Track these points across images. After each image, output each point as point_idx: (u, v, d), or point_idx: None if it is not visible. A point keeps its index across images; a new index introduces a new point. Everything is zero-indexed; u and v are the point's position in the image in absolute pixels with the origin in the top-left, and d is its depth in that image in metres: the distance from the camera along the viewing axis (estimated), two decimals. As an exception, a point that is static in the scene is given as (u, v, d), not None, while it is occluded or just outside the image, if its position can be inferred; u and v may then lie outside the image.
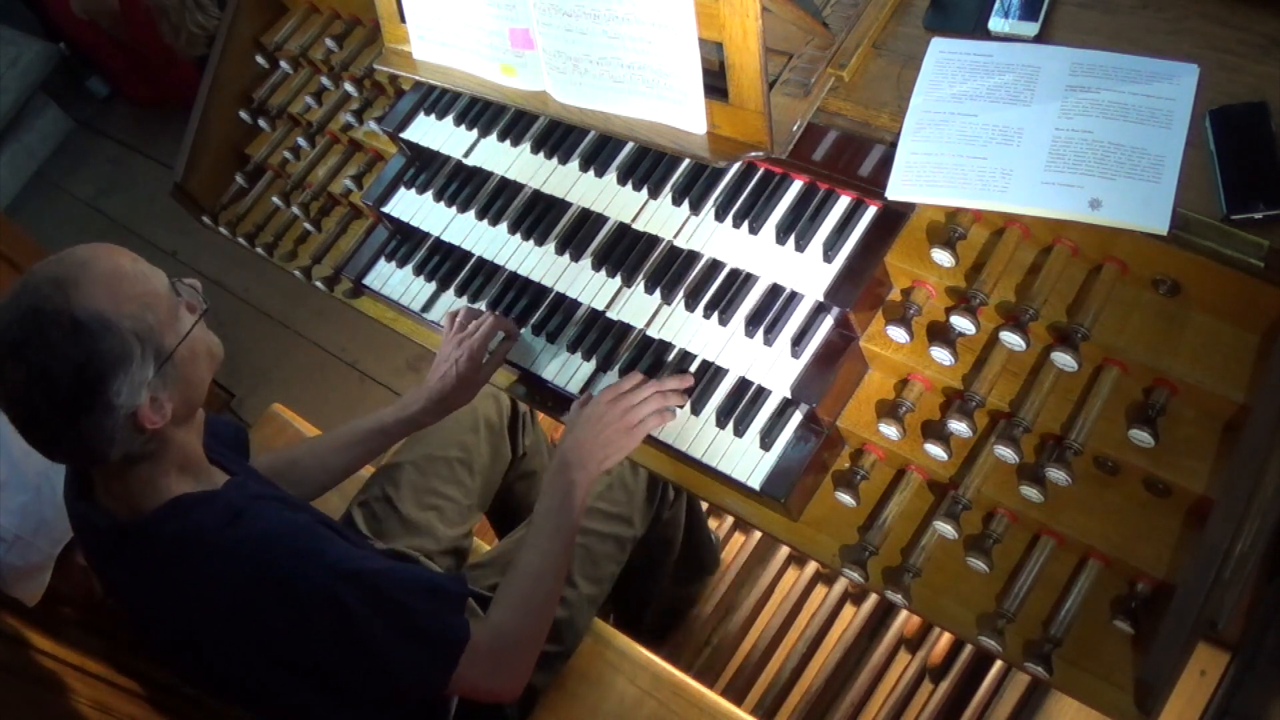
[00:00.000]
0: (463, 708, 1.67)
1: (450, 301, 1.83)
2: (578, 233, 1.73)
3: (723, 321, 1.55)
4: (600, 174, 1.70)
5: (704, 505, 2.28)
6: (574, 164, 1.74)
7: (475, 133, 1.84)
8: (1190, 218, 1.23)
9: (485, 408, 2.01)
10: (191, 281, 1.42)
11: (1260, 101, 1.25)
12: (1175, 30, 1.34)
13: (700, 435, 1.53)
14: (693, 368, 1.59)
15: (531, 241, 1.76)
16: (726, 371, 1.56)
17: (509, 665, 1.48)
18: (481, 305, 1.80)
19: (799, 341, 1.48)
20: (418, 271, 1.88)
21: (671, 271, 1.62)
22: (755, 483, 1.46)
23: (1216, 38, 1.32)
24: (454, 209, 1.85)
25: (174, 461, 1.39)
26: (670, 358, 1.62)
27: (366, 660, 1.39)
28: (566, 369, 1.69)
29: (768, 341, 1.51)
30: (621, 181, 1.68)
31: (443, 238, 1.85)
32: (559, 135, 1.76)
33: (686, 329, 1.58)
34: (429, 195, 1.89)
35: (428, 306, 1.85)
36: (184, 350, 1.34)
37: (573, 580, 1.83)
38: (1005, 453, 1.32)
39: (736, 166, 1.60)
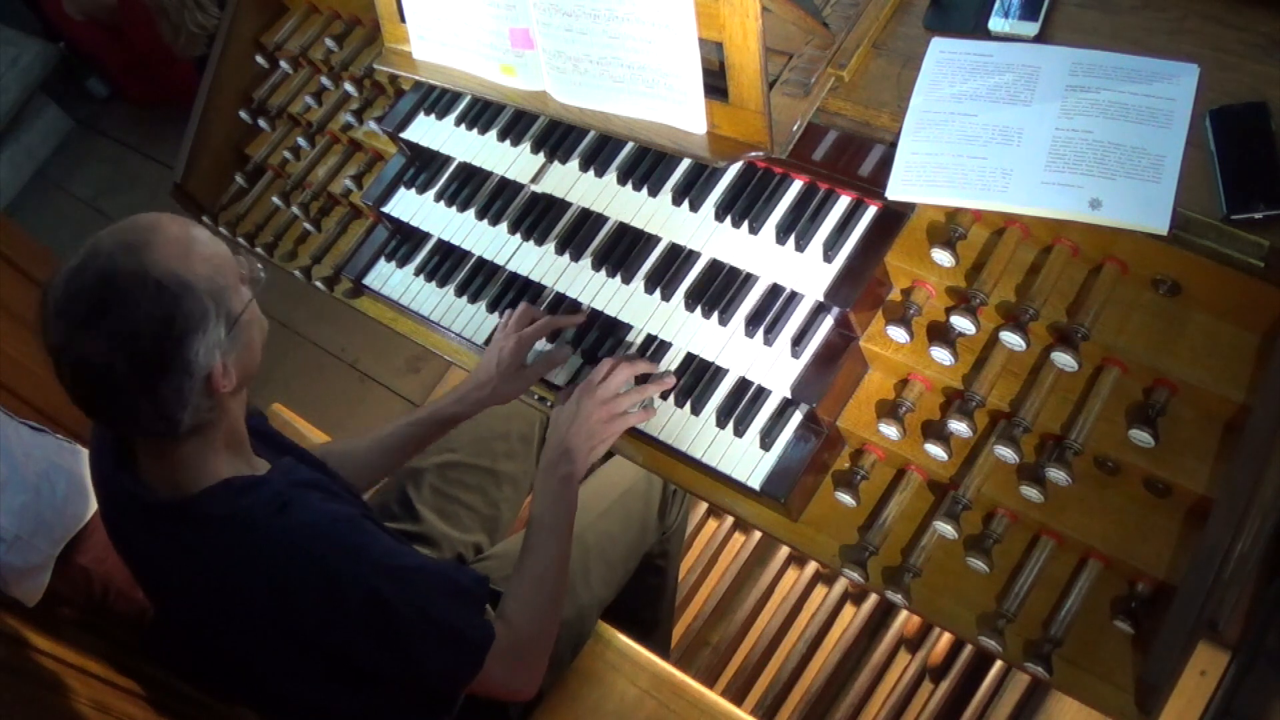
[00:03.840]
0: (466, 706, 1.67)
1: (450, 301, 1.83)
2: (578, 233, 1.72)
3: (723, 321, 1.55)
4: (600, 174, 1.70)
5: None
6: (574, 164, 1.74)
7: (475, 133, 1.85)
8: (1190, 218, 1.23)
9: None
10: (248, 254, 1.42)
11: (1260, 101, 1.25)
12: (1175, 30, 1.34)
13: (700, 435, 1.53)
14: (692, 368, 1.59)
15: (531, 241, 1.76)
16: (726, 371, 1.56)
17: (527, 663, 1.50)
18: (481, 305, 1.80)
19: (799, 341, 1.48)
20: (418, 272, 1.88)
21: (671, 271, 1.62)
22: (755, 483, 1.46)
23: (1216, 38, 1.32)
24: (454, 209, 1.85)
25: (224, 436, 1.39)
26: (670, 358, 1.62)
27: (398, 655, 1.40)
28: (567, 368, 1.69)
29: (768, 341, 1.51)
30: (621, 181, 1.68)
31: (443, 237, 1.85)
32: (559, 135, 1.76)
33: (686, 329, 1.58)
34: (429, 195, 1.89)
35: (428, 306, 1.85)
36: (247, 316, 1.35)
37: (589, 581, 1.83)
38: (1005, 453, 1.32)
39: (736, 166, 1.60)
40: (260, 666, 1.48)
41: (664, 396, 1.58)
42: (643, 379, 1.60)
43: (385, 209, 1.92)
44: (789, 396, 1.47)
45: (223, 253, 1.35)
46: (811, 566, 2.38)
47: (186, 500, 1.37)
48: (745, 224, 1.55)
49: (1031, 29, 1.40)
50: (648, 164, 1.67)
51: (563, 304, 1.73)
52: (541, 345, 1.71)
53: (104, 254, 1.27)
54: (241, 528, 1.36)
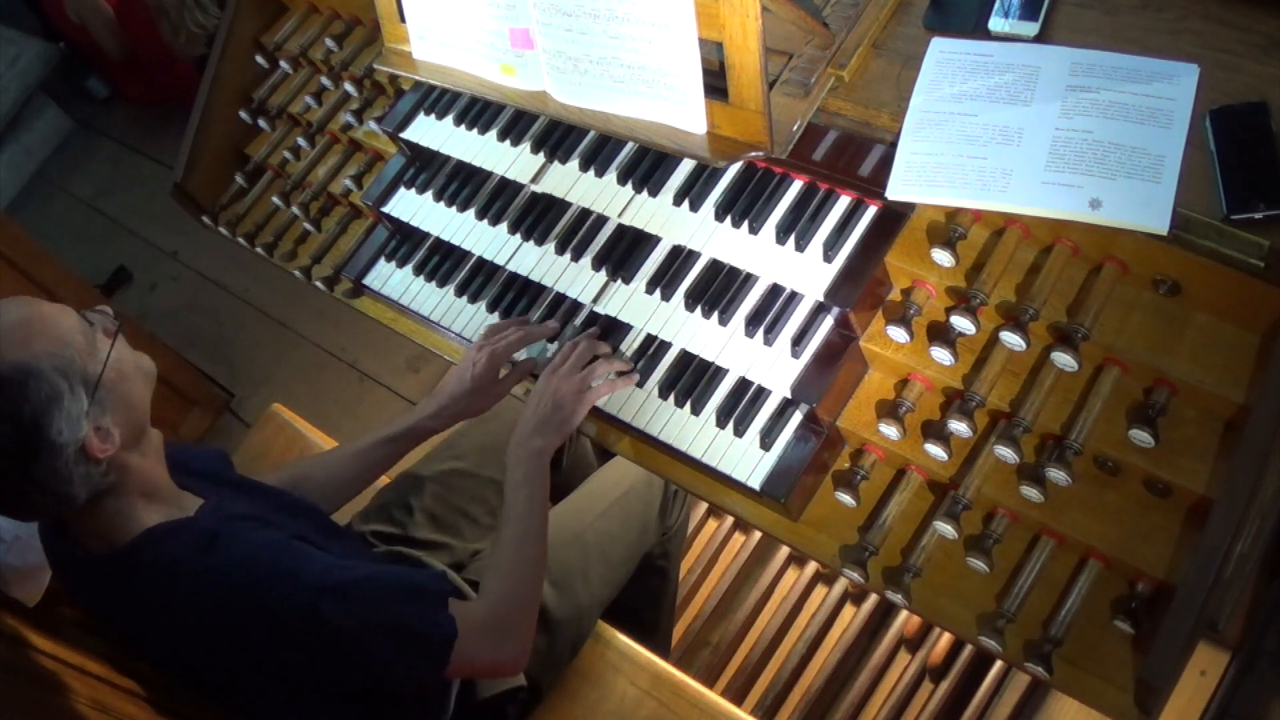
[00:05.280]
0: (463, 706, 1.67)
1: (450, 301, 1.83)
2: (578, 233, 1.73)
3: (723, 321, 1.55)
4: (600, 174, 1.70)
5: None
6: (574, 164, 1.74)
7: (475, 133, 1.85)
8: (1190, 218, 1.23)
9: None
10: (100, 308, 1.43)
11: (1260, 101, 1.25)
12: (1175, 30, 1.34)
13: (700, 435, 1.53)
14: (692, 368, 1.59)
15: (531, 241, 1.76)
16: (726, 371, 1.56)
17: (509, 636, 1.50)
18: (481, 305, 1.80)
19: (799, 341, 1.48)
20: (418, 271, 1.88)
21: (671, 271, 1.62)
22: (755, 483, 1.46)
23: (1216, 38, 1.32)
24: (454, 209, 1.85)
25: (137, 489, 1.39)
26: (669, 357, 1.62)
27: (357, 668, 1.40)
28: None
29: (768, 341, 1.51)
30: (621, 181, 1.68)
31: (443, 237, 1.85)
32: (559, 135, 1.76)
33: (686, 329, 1.58)
34: (429, 195, 1.89)
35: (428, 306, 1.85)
36: (111, 374, 1.35)
37: (589, 581, 1.83)
38: (1005, 453, 1.32)
39: (736, 166, 1.60)
40: (237, 699, 1.49)
41: (673, 392, 1.58)
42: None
43: (385, 209, 1.92)
44: (789, 396, 1.47)
45: (66, 322, 1.34)
46: (811, 566, 2.38)
47: (116, 554, 1.38)
48: (745, 224, 1.55)
49: (1031, 29, 1.40)
50: (648, 164, 1.67)
51: (562, 304, 1.73)
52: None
53: None
54: (169, 572, 1.37)
